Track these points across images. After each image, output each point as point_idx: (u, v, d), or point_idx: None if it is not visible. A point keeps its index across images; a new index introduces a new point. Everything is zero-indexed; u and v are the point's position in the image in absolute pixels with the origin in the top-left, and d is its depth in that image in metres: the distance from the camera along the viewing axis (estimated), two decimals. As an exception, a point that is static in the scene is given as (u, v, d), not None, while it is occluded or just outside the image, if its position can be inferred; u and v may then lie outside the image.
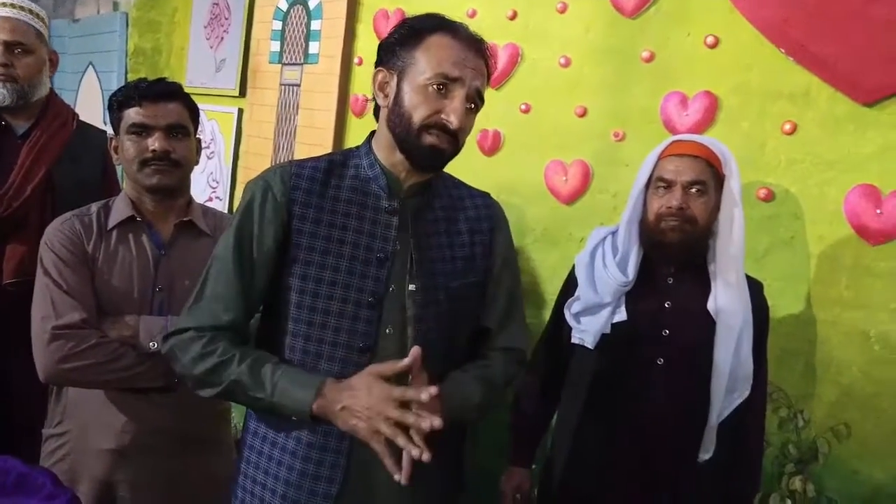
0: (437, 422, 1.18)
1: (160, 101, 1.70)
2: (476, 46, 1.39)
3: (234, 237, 1.38)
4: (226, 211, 3.57)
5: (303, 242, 1.37)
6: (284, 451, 1.39)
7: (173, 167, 1.71)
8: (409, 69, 1.35)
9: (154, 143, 1.68)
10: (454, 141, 1.36)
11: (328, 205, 1.39)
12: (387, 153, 1.42)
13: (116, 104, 1.73)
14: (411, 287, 1.37)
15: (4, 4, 2.14)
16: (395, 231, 1.39)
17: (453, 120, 1.33)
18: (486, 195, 1.58)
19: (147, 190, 1.73)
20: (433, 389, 1.20)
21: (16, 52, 2.13)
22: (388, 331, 1.36)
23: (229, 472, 1.88)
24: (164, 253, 1.74)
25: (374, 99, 1.44)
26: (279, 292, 1.39)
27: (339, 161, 1.45)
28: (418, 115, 1.33)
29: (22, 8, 2.16)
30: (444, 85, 1.33)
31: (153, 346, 1.64)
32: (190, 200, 1.82)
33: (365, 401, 1.23)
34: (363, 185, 1.42)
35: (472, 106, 1.38)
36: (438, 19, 1.39)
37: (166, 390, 1.67)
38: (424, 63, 1.34)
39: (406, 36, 1.38)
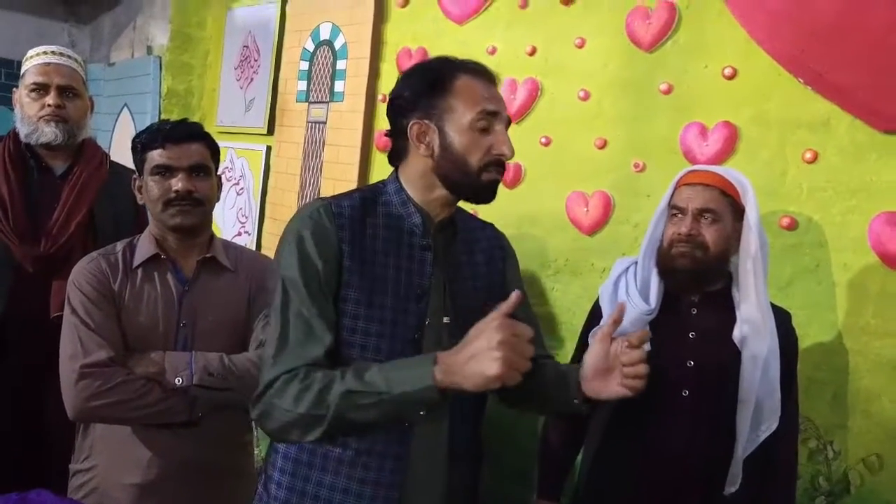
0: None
1: (183, 142, 1.75)
2: (493, 79, 1.46)
3: (301, 279, 1.35)
4: (254, 245, 3.62)
5: (353, 282, 1.37)
6: (321, 485, 1.39)
7: (196, 206, 1.75)
8: (448, 116, 1.38)
9: (177, 183, 1.72)
10: (504, 169, 1.43)
11: (368, 243, 1.40)
12: (422, 192, 1.44)
13: (140, 146, 1.77)
14: (445, 320, 1.41)
15: (55, 53, 2.26)
16: (431, 266, 1.42)
17: (507, 151, 1.39)
18: (492, 225, 1.64)
19: (171, 229, 1.77)
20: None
21: (68, 95, 2.24)
22: None
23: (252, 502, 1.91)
24: (188, 289, 1.77)
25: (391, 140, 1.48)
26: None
27: (370, 198, 1.46)
28: (475, 158, 1.38)
29: (70, 56, 2.29)
30: (487, 122, 1.38)
31: (179, 381, 1.67)
32: (212, 237, 1.86)
33: (496, 337, 1.17)
34: (396, 222, 1.44)
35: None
36: (453, 63, 1.43)
37: (190, 424, 1.69)
38: (462, 107, 1.38)
39: (431, 84, 1.40)
